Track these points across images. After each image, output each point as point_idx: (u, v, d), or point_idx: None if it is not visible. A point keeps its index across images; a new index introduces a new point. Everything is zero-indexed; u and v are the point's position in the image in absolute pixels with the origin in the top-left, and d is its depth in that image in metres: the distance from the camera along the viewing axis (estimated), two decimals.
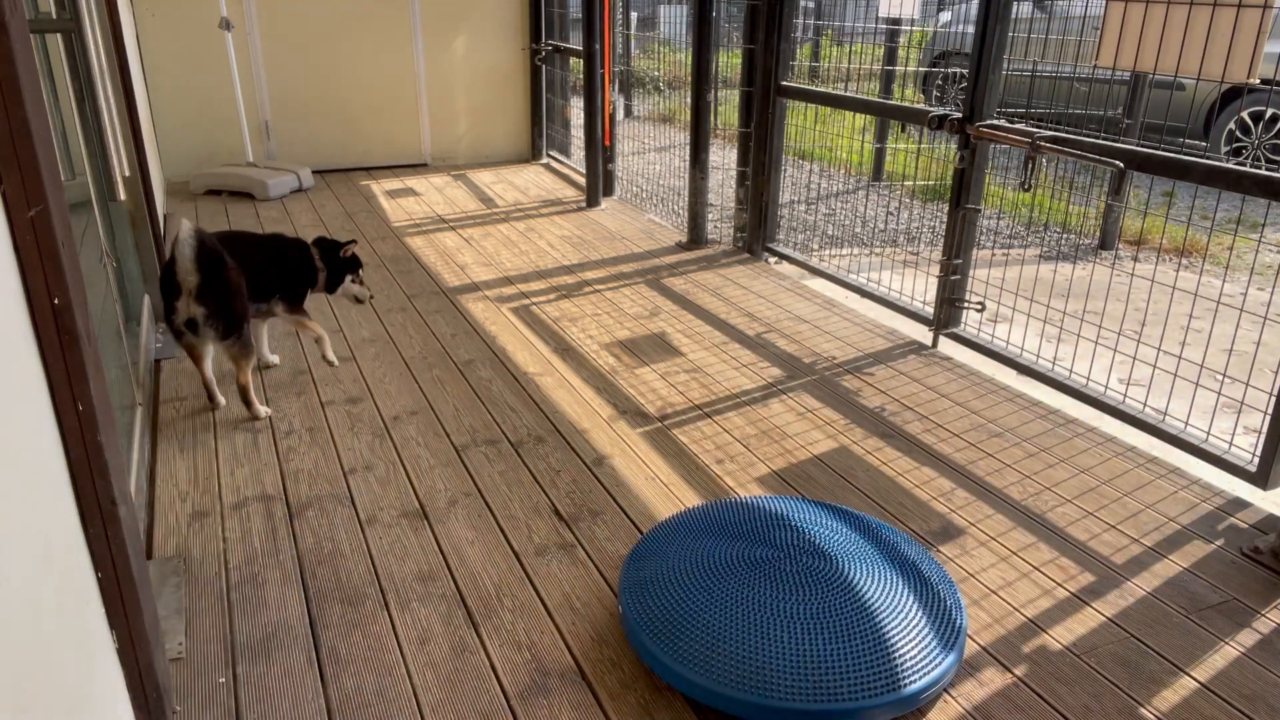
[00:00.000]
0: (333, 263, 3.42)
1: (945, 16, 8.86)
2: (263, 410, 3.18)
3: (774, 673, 1.85)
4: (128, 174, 3.43)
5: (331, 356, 3.54)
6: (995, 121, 3.44)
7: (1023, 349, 3.53)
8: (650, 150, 8.25)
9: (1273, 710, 1.93)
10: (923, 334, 3.92)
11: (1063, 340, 3.75)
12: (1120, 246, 5.85)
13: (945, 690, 1.97)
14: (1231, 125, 6.98)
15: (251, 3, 6.33)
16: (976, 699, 1.96)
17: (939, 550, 2.46)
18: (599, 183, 6.04)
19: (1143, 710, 1.93)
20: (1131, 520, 2.60)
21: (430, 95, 7.00)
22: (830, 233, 6.21)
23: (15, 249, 1.34)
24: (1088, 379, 3.30)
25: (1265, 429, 2.65)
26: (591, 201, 6.05)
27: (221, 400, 3.24)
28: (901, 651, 1.91)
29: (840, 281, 4.42)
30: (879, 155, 7.23)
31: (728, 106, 7.95)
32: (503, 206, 6.03)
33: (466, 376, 3.48)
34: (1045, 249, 5.82)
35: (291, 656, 2.06)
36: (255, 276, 3.15)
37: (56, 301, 1.41)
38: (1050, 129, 3.24)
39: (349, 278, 3.48)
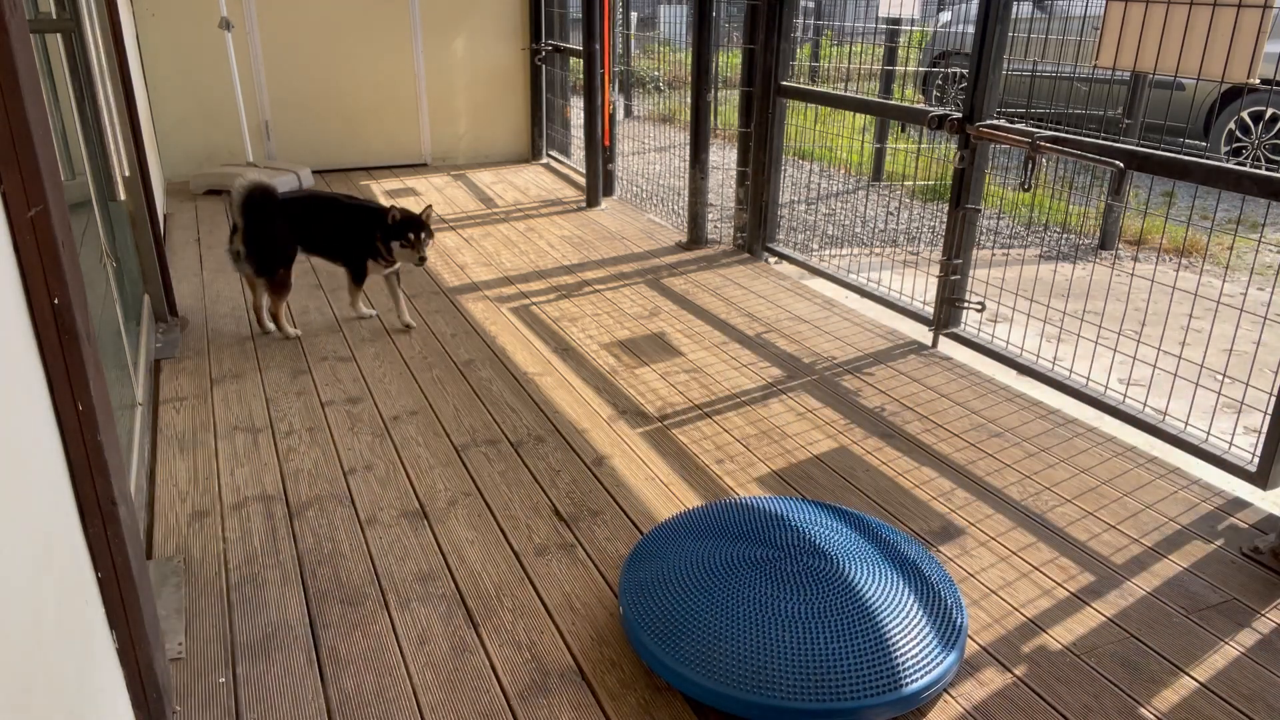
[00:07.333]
0: (386, 230, 3.68)
1: (945, 16, 8.86)
2: (291, 331, 3.80)
3: (775, 672, 1.85)
4: (128, 174, 3.43)
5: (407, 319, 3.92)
6: (995, 121, 3.44)
7: (1023, 349, 3.53)
8: (650, 150, 8.25)
9: (1273, 710, 1.93)
10: (923, 334, 3.92)
11: (1063, 340, 3.75)
12: (1120, 246, 5.85)
13: (945, 690, 1.97)
14: (1231, 125, 6.98)
15: (251, 3, 6.33)
16: (976, 699, 1.96)
17: (939, 550, 2.46)
18: (599, 183, 6.04)
19: (1143, 710, 1.93)
20: (1131, 520, 2.60)
21: (430, 95, 7.00)
22: (830, 233, 6.21)
23: (15, 249, 1.34)
24: (1088, 379, 3.30)
25: (1265, 429, 2.64)
26: (591, 201, 6.05)
27: (270, 327, 3.82)
28: (902, 651, 1.91)
29: (840, 281, 4.42)
30: (879, 155, 7.23)
31: (728, 106, 7.95)
32: (503, 206, 6.03)
33: (466, 376, 3.48)
34: (1045, 249, 5.82)
35: (291, 656, 2.06)
36: (312, 236, 3.79)
37: (56, 301, 1.41)
38: (1050, 129, 3.24)
39: (397, 243, 3.65)
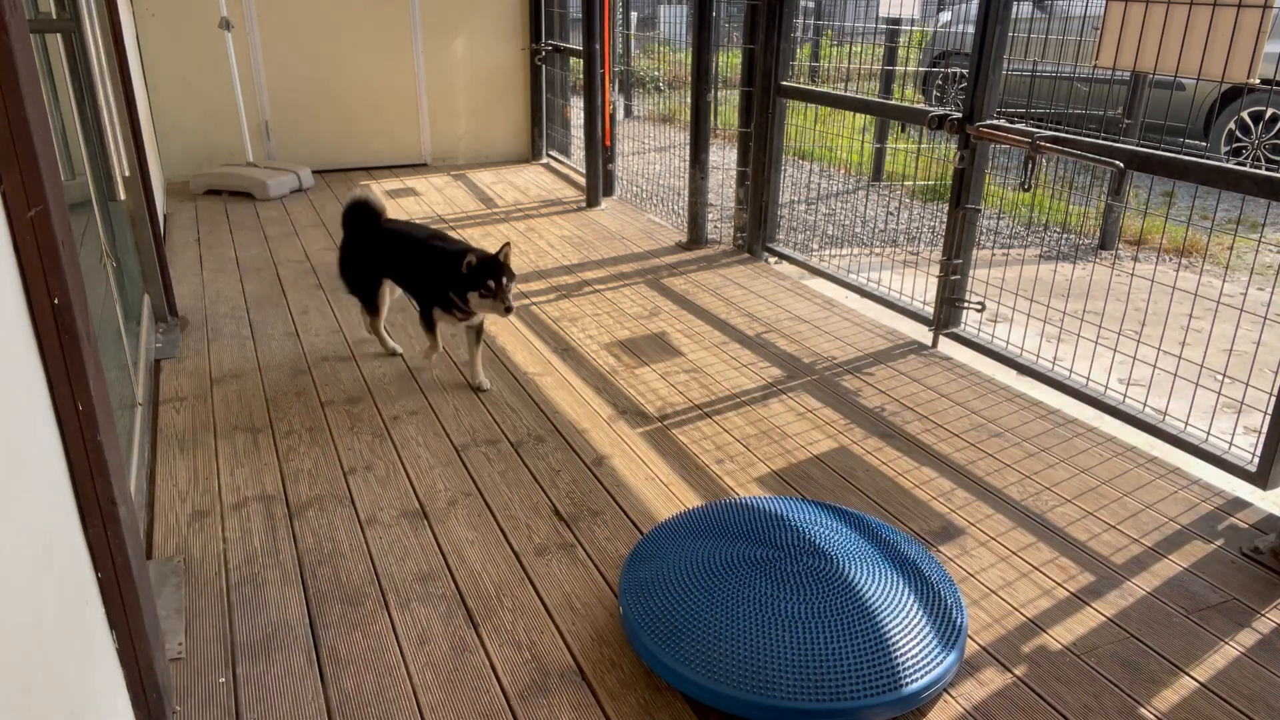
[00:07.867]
0: (460, 281, 3.15)
1: (945, 16, 8.86)
2: (390, 345, 3.71)
3: (775, 672, 1.85)
4: (128, 174, 3.43)
5: (481, 380, 3.43)
6: (995, 121, 3.44)
7: (1023, 349, 3.53)
8: (650, 150, 8.25)
9: (1273, 710, 1.93)
10: (923, 334, 3.92)
11: (1063, 340, 3.75)
12: (1120, 246, 5.85)
13: (945, 690, 1.97)
14: (1231, 125, 6.98)
15: (251, 3, 6.33)
16: (976, 699, 1.96)
17: (939, 550, 2.46)
18: (599, 183, 6.04)
19: (1143, 710, 1.93)
20: (1131, 520, 2.60)
21: (430, 95, 7.00)
22: (830, 233, 6.21)
23: (15, 249, 1.34)
24: (1088, 379, 3.30)
25: (1265, 429, 2.64)
26: (591, 201, 6.05)
27: (391, 345, 3.72)
28: (902, 651, 1.91)
29: (840, 281, 4.42)
30: (879, 155, 7.23)
31: (728, 106, 7.95)
32: (503, 206, 6.03)
33: (466, 376, 3.48)
34: (1045, 249, 5.82)
35: (291, 656, 2.06)
36: (398, 269, 3.53)
37: (56, 301, 1.41)
38: (1050, 129, 3.24)
39: (475, 293, 3.12)
